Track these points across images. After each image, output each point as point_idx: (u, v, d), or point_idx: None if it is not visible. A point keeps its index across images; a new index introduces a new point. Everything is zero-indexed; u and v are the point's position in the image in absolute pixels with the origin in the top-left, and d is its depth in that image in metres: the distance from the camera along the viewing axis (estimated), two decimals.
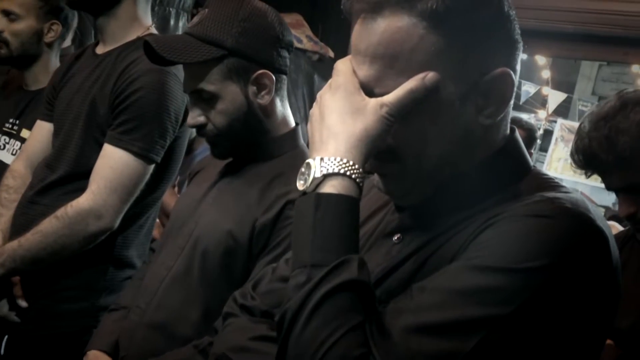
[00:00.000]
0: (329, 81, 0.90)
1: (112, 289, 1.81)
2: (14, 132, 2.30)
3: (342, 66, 0.89)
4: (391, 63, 0.84)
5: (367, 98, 0.86)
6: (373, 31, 0.85)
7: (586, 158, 1.50)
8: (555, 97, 8.55)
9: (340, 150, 0.84)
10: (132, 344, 1.46)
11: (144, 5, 1.88)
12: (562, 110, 9.02)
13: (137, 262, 1.86)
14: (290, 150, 1.50)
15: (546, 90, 8.78)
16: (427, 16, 0.83)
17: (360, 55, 0.87)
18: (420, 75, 0.83)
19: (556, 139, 7.58)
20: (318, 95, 0.90)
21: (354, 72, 0.88)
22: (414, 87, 0.83)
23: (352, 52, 0.89)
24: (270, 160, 1.49)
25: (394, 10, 0.84)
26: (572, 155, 1.55)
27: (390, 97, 0.84)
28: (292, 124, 1.55)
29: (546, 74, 8.83)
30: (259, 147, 1.50)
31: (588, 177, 1.58)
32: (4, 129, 2.32)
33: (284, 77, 1.50)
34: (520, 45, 0.90)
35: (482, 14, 0.85)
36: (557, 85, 8.91)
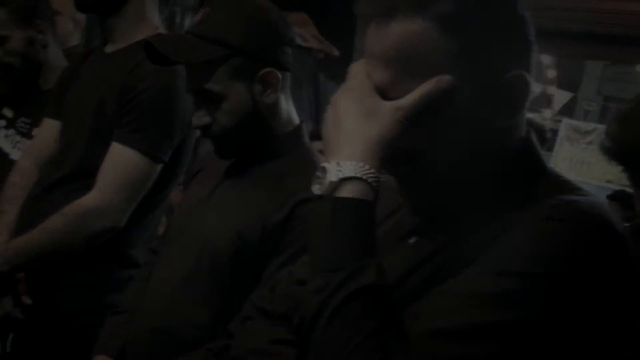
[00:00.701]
0: (344, 84, 0.90)
1: (117, 288, 1.79)
2: (25, 132, 2.30)
3: (357, 69, 0.89)
4: (405, 67, 0.84)
5: (382, 101, 0.86)
6: (387, 35, 0.85)
7: (615, 148, 1.48)
8: (560, 97, 8.53)
9: (356, 153, 0.84)
10: (139, 348, 1.45)
11: (151, 5, 1.87)
12: (567, 110, 8.98)
13: (142, 261, 1.85)
14: (296, 148, 1.49)
15: (551, 90, 8.74)
16: (441, 20, 0.83)
17: (374, 59, 0.87)
18: (435, 79, 0.83)
19: (561, 139, 7.55)
20: (332, 98, 0.90)
21: (369, 75, 0.87)
22: (428, 90, 0.83)
23: (367, 56, 0.89)
24: (276, 159, 1.46)
25: (408, 14, 0.83)
26: (602, 143, 1.53)
27: (406, 101, 0.84)
28: (297, 121, 1.53)
29: (552, 73, 8.80)
30: (264, 146, 1.48)
31: (622, 170, 1.55)
32: (18, 127, 2.32)
33: (288, 74, 1.48)
34: (535, 47, 0.90)
35: (497, 17, 0.85)
36: (562, 85, 8.88)
